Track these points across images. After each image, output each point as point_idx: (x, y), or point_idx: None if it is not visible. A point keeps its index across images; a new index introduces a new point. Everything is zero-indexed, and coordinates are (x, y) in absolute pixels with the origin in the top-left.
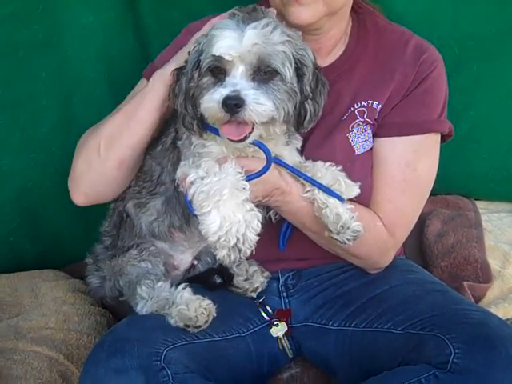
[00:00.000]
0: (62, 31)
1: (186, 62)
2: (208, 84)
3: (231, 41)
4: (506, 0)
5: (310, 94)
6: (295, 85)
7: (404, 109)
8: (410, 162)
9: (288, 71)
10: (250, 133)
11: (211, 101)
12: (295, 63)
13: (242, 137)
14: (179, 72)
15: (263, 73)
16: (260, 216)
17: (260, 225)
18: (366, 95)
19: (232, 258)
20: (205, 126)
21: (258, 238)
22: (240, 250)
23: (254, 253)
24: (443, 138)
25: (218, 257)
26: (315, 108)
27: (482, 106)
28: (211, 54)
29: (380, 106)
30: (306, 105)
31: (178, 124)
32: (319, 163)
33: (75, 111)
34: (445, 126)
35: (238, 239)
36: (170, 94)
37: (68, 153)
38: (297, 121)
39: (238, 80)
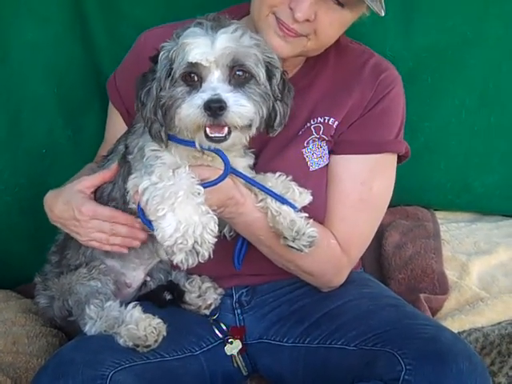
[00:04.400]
0: (7, 46)
1: (151, 70)
2: (183, 93)
3: (205, 47)
4: (458, 11)
5: (279, 96)
6: (268, 87)
7: (361, 127)
8: (366, 181)
9: (261, 73)
10: (230, 133)
11: (191, 106)
12: (265, 66)
13: (224, 133)
14: (145, 78)
15: (238, 76)
16: (216, 219)
17: (217, 227)
18: (323, 112)
19: (190, 261)
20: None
21: (215, 239)
22: (198, 253)
23: (211, 256)
24: (400, 159)
25: (175, 261)
26: (284, 109)
27: (437, 117)
28: (187, 62)
29: (336, 122)
30: (276, 106)
31: (128, 140)
32: (269, 174)
33: (24, 127)
34: (401, 146)
35: (195, 241)
36: (136, 101)
37: (16, 170)
38: (267, 123)
39: (216, 84)
